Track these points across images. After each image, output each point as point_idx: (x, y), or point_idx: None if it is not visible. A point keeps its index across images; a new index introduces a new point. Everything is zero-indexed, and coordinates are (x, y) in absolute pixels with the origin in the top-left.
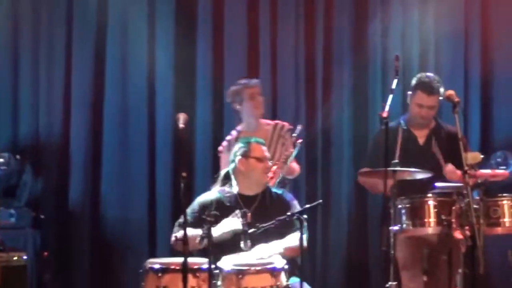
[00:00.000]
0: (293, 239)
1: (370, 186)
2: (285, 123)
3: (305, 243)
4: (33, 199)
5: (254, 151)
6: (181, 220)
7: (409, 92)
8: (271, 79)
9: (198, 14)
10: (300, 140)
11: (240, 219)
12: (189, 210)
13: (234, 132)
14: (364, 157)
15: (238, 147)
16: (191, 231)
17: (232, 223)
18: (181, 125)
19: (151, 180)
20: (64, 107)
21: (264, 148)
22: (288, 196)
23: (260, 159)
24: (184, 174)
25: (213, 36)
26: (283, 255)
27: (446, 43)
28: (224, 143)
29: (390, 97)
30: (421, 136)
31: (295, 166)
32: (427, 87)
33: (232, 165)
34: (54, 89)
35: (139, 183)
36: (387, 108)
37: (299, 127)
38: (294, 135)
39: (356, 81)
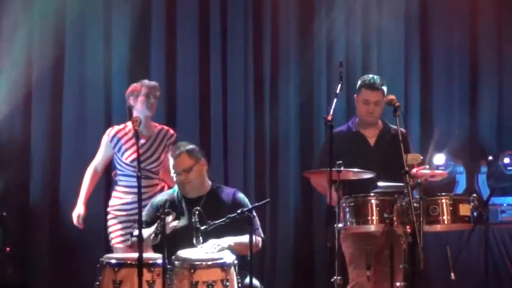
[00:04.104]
0: (246, 237)
1: (317, 186)
2: (170, 130)
3: (259, 245)
4: None
5: (171, 166)
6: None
7: (355, 95)
8: (221, 83)
9: (152, 15)
10: None
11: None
12: (144, 212)
13: (121, 125)
14: (316, 159)
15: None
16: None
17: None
18: (137, 128)
19: (108, 178)
20: (24, 106)
21: (180, 159)
22: (240, 196)
23: (175, 174)
24: (139, 174)
25: (166, 37)
26: (235, 251)
27: (388, 49)
28: (108, 131)
29: (335, 101)
30: (371, 137)
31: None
32: (370, 84)
33: None
34: (14, 91)
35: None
36: (331, 111)
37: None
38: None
39: (302, 85)
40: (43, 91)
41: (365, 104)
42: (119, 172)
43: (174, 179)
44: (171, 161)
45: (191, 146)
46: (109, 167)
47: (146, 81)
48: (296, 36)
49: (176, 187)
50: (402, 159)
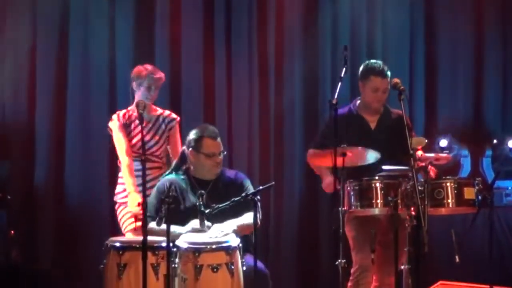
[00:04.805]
0: (247, 218)
1: (315, 167)
2: (172, 114)
3: (258, 221)
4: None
5: (204, 147)
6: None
7: (360, 80)
8: (226, 66)
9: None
10: None
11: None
12: (150, 200)
13: (124, 110)
14: (315, 140)
15: (191, 136)
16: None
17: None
18: (141, 111)
19: (112, 162)
20: (29, 93)
21: (217, 141)
22: (242, 177)
23: (209, 155)
24: (143, 158)
25: (170, 23)
26: (238, 233)
27: (392, 33)
28: (114, 117)
29: (339, 85)
30: (372, 121)
31: None
32: (379, 71)
33: (186, 151)
34: (18, 75)
35: (101, 165)
36: (336, 95)
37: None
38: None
39: (307, 68)
40: (47, 76)
41: (374, 92)
42: None
43: (209, 160)
44: (208, 142)
45: None
46: (115, 156)
47: (151, 69)
48: (300, 19)
49: (181, 172)
50: (403, 142)
